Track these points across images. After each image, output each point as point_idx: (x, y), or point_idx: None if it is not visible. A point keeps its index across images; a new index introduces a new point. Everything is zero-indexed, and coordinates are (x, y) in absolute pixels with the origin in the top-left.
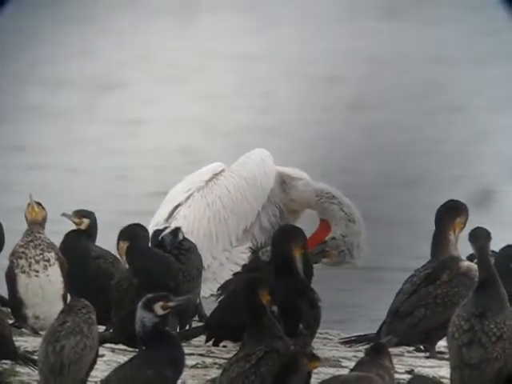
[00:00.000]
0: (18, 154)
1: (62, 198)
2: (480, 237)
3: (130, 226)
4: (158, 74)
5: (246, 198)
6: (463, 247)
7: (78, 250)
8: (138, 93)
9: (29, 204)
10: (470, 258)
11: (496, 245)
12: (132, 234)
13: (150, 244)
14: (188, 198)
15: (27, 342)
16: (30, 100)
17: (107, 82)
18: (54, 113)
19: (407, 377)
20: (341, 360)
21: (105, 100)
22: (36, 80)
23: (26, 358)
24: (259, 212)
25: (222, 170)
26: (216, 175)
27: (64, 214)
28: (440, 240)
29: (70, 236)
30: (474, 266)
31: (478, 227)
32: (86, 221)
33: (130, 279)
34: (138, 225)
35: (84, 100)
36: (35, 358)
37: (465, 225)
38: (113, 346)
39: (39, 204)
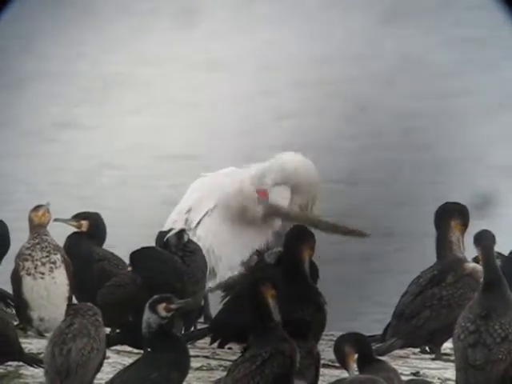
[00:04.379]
0: None
1: None
2: (485, 238)
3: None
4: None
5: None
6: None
7: (79, 251)
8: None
9: (40, 206)
10: (476, 260)
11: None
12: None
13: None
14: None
15: (32, 344)
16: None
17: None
18: None
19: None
20: None
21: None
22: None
23: (32, 359)
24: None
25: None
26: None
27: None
28: (441, 242)
29: (70, 238)
30: (479, 267)
31: (482, 229)
32: (84, 223)
33: (135, 280)
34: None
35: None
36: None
37: (466, 226)
38: (118, 347)
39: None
